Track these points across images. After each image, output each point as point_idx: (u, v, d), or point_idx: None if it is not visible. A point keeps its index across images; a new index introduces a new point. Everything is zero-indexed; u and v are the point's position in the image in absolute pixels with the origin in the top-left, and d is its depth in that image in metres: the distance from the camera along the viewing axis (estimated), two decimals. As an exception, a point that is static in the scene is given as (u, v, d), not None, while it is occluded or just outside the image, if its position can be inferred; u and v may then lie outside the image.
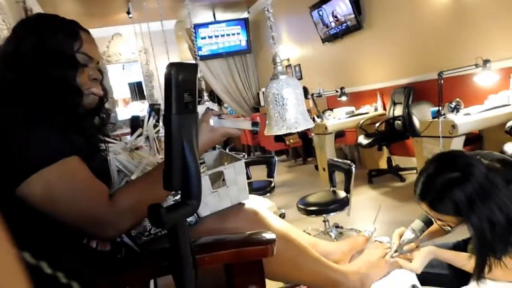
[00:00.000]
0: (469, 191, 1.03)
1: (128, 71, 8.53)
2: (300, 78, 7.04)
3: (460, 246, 1.43)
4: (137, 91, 8.58)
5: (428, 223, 1.33)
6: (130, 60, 8.28)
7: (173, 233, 0.77)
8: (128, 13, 6.57)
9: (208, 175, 1.14)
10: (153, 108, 4.09)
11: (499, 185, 1.04)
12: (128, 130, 5.37)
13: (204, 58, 8.07)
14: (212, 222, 1.17)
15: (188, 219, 1.18)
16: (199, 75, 3.67)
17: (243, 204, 1.21)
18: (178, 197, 1.16)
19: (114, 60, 8.11)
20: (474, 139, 3.78)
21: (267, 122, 1.28)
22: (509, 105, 3.34)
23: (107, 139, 1.20)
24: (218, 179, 1.23)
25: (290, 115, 1.19)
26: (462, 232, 1.35)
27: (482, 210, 1.03)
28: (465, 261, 1.21)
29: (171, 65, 0.71)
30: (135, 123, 3.96)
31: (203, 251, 0.93)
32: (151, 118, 1.57)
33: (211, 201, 1.16)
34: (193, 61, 7.54)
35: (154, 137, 1.45)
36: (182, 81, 0.71)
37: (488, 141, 3.76)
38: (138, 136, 1.48)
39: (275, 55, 1.27)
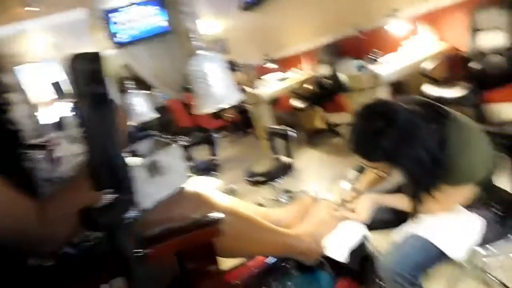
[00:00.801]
0: (394, 136, 1.08)
1: (44, 71, 7.86)
2: (226, 51, 6.95)
3: (396, 189, 1.52)
4: (59, 91, 7.97)
5: (361, 170, 1.39)
6: (44, 58, 7.63)
7: (111, 233, 0.73)
8: (29, 6, 5.98)
9: (142, 166, 1.08)
10: (77, 106, 3.82)
11: (420, 125, 1.10)
12: (56, 133, 5.00)
13: (124, 44, 7.64)
14: (155, 213, 1.13)
15: (131, 215, 1.13)
16: (119, 62, 3.48)
17: (184, 188, 1.18)
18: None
19: (25, 60, 7.42)
20: (396, 85, 3.99)
21: (196, 101, 1.24)
22: (422, 49, 3.56)
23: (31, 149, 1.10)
24: (156, 169, 1.18)
25: (218, 90, 1.15)
26: (396, 176, 1.44)
27: (408, 152, 1.08)
28: (402, 201, 1.29)
29: (73, 57, 0.65)
30: (61, 124, 3.70)
31: (150, 244, 0.89)
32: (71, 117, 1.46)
33: (151, 191, 1.11)
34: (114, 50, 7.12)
35: (79, 136, 1.35)
36: (88, 72, 0.65)
37: (409, 86, 4.00)
38: (63, 137, 1.37)
39: (190, 30, 1.22)
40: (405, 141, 1.07)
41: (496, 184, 1.30)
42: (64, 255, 1.04)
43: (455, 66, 3.50)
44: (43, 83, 7.76)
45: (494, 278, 1.54)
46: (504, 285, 1.50)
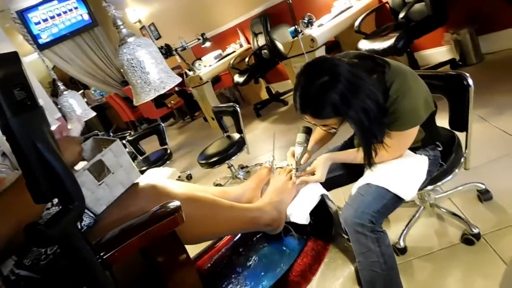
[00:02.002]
0: (340, 89, 1.10)
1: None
2: (159, 37, 6.70)
3: (347, 145, 1.57)
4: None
5: (308, 132, 1.42)
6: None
7: (66, 244, 0.69)
8: None
9: (87, 169, 1.02)
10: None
11: (363, 76, 1.13)
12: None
13: (47, 45, 7.13)
14: (113, 214, 1.09)
15: (86, 222, 1.08)
16: (48, 64, 3.24)
17: (137, 183, 1.14)
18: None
19: None
20: (333, 46, 4.08)
21: (133, 92, 1.18)
22: (351, 6, 3.63)
23: None
24: (102, 170, 1.12)
25: (153, 76, 1.11)
26: (345, 133, 1.48)
27: (355, 103, 1.11)
28: (356, 154, 1.33)
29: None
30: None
31: (112, 247, 0.86)
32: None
33: (102, 194, 1.06)
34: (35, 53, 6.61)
35: (11, 151, 1.25)
36: (5, 76, 0.59)
37: (344, 45, 4.10)
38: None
39: (114, 17, 1.15)
40: (351, 93, 1.10)
41: (435, 124, 1.38)
42: (18, 279, 0.98)
43: (384, 18, 3.63)
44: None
45: (446, 211, 1.66)
46: (455, 214, 1.62)
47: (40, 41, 6.97)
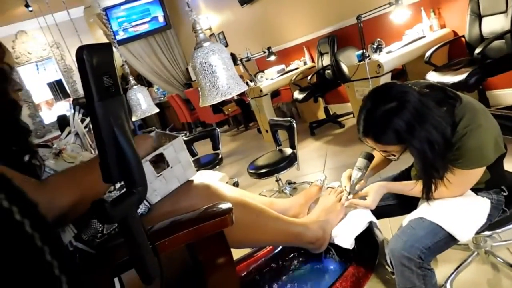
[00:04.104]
0: (407, 117, 1.08)
1: (43, 70, 7.84)
2: (226, 45, 6.92)
3: (404, 175, 1.53)
4: (59, 89, 7.95)
5: (370, 158, 1.39)
6: (42, 58, 7.59)
7: (125, 226, 0.73)
8: (27, 6, 5.96)
9: (149, 160, 1.08)
10: (78, 103, 3.82)
11: (432, 107, 1.10)
12: (58, 132, 5.04)
13: (122, 42, 7.63)
14: (165, 206, 1.14)
15: (141, 210, 1.14)
16: (121, 60, 3.47)
17: (192, 180, 1.18)
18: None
19: (24, 61, 7.39)
20: (399, 74, 3.98)
21: (200, 94, 1.24)
22: (424, 36, 3.54)
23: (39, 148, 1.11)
24: (161, 163, 1.18)
25: (222, 81, 1.15)
26: (401, 163, 1.44)
27: (421, 133, 1.08)
28: (413, 187, 1.29)
29: (81, 49, 0.64)
30: (63, 123, 3.70)
31: (161, 237, 0.90)
32: (77, 113, 1.46)
33: (159, 185, 1.11)
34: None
35: (84, 133, 1.36)
36: (98, 64, 0.65)
37: (411, 74, 3.99)
38: (67, 135, 1.38)
39: (194, 22, 1.22)
40: (417, 122, 1.07)
41: (504, 167, 1.30)
42: (75, 251, 1.05)
43: (457, 52, 3.49)
44: (40, 84, 7.75)
45: (502, 261, 1.55)
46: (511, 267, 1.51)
47: (118, 37, 7.46)
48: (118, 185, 1.10)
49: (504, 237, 1.63)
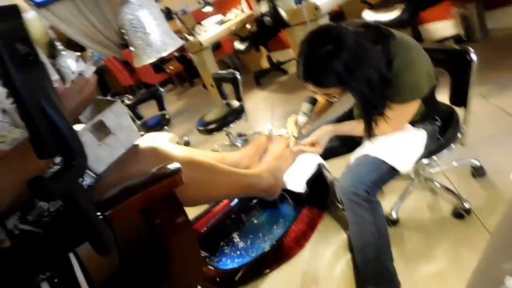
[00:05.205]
0: (345, 58, 1.09)
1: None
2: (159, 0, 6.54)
3: (347, 115, 1.58)
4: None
5: (313, 102, 1.41)
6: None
7: (70, 200, 0.70)
8: None
9: (89, 129, 1.03)
10: None
11: (368, 47, 1.12)
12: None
13: (43, 4, 6.94)
14: (113, 175, 1.10)
15: (87, 182, 1.10)
16: (43, 24, 3.18)
17: (138, 145, 1.15)
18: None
19: None
20: (337, 16, 4.00)
21: (133, 54, 1.17)
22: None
23: None
24: (103, 130, 1.13)
25: (155, 38, 1.09)
26: (344, 104, 1.48)
27: (359, 73, 1.10)
28: (356, 127, 1.34)
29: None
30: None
31: (112, 205, 0.88)
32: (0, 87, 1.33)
33: (103, 154, 1.07)
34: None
35: (12, 108, 1.25)
36: (7, 30, 0.58)
37: (350, 15, 4.02)
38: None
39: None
40: (355, 62, 1.09)
41: (435, 98, 1.38)
42: (22, 233, 1.01)
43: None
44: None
45: (439, 185, 1.69)
46: (448, 189, 1.65)
47: (38, -1, 6.78)
48: (58, 160, 1.05)
49: (440, 164, 1.76)
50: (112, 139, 1.08)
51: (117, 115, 1.09)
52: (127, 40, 1.11)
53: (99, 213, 0.83)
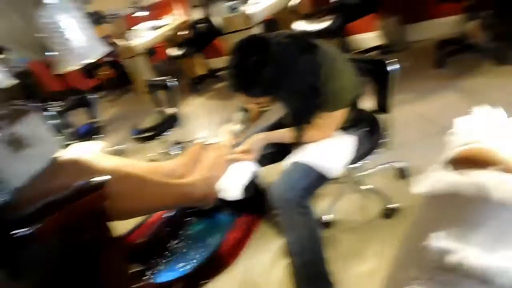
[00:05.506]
0: (271, 69, 1.11)
1: None
2: (88, 2, 6.23)
3: (278, 124, 1.60)
4: None
5: (245, 111, 1.43)
6: None
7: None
8: None
9: (1, 140, 0.94)
10: None
11: (294, 57, 1.15)
12: None
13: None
14: (33, 189, 1.01)
15: (2, 198, 1.00)
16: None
17: (58, 157, 1.07)
18: None
19: None
20: (270, 24, 4.08)
21: (53, 59, 1.10)
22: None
23: None
24: (19, 142, 1.04)
25: (78, 43, 1.03)
26: (276, 112, 1.51)
27: (286, 83, 1.13)
28: (287, 135, 1.36)
29: None
30: None
31: (31, 224, 0.81)
32: None
33: (19, 167, 0.98)
34: None
35: None
36: None
37: (282, 24, 4.12)
38: None
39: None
40: (281, 72, 1.11)
41: (360, 106, 1.45)
42: None
43: (320, 0, 3.69)
44: None
45: (368, 188, 1.78)
46: (377, 191, 1.74)
47: None
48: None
49: (368, 167, 1.86)
50: (29, 151, 1.00)
51: (33, 125, 1.01)
52: (46, 45, 1.03)
53: (15, 231, 0.76)
